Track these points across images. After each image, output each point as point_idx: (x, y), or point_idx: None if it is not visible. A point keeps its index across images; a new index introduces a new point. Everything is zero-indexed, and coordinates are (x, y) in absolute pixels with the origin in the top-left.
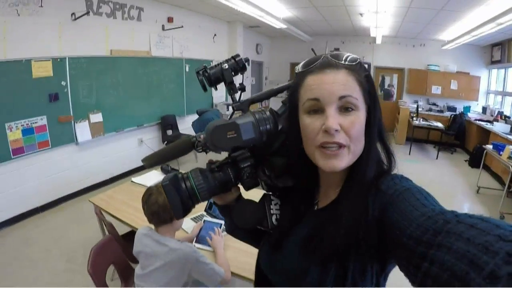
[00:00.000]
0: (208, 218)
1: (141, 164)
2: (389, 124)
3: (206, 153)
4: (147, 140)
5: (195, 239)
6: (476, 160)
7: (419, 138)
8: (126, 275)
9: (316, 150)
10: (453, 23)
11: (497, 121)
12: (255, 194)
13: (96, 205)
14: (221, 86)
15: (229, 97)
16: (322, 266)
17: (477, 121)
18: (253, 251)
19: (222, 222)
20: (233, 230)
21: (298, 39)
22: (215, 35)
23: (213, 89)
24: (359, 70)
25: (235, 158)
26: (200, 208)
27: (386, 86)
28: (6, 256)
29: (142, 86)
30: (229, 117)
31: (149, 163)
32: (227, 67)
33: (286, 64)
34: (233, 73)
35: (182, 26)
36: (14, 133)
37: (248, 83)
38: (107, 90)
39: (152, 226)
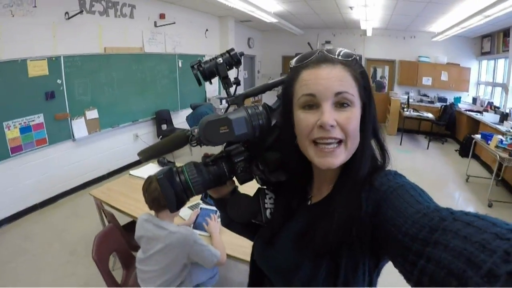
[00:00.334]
0: (204, 206)
1: (137, 158)
2: (381, 115)
3: (201, 146)
4: (142, 135)
5: (192, 225)
6: (466, 149)
7: (411, 128)
8: (128, 262)
9: (310, 146)
10: (442, 15)
11: (487, 111)
12: (252, 188)
13: (96, 197)
14: (215, 80)
15: (222, 91)
16: (314, 262)
17: (467, 112)
18: None
19: None
20: (229, 223)
21: (289, 32)
22: (207, 30)
23: (207, 83)
24: (355, 66)
25: (229, 153)
26: (196, 197)
27: (378, 78)
28: (8, 252)
29: (136, 82)
30: (224, 110)
31: (145, 156)
32: (221, 61)
33: (278, 57)
34: (227, 67)
35: (174, 22)
36: (12, 132)
37: (240, 77)
38: (102, 87)
39: (152, 213)
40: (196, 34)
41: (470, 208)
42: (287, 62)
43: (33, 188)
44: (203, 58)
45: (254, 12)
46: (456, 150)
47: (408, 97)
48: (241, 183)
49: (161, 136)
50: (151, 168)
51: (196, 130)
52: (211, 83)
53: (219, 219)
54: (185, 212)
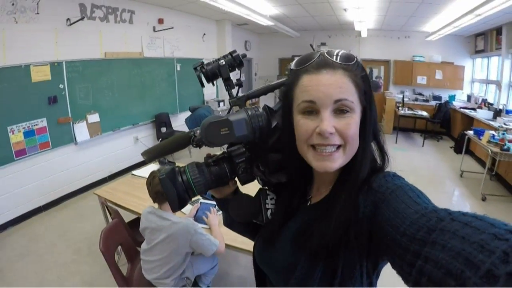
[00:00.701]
0: (204, 201)
1: (137, 161)
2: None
3: (200, 147)
4: (142, 138)
5: (192, 219)
6: (460, 146)
7: (406, 127)
8: (132, 256)
9: (309, 150)
10: (434, 15)
11: (481, 108)
12: (254, 188)
13: (100, 196)
14: (208, 84)
15: (220, 94)
16: (310, 262)
17: (461, 109)
18: None
19: None
20: (231, 223)
21: (285, 35)
22: (204, 34)
23: (207, 86)
24: (356, 70)
25: (231, 153)
26: None
27: (374, 78)
28: (14, 253)
29: (136, 86)
30: (227, 112)
31: (149, 156)
32: (224, 63)
33: (274, 59)
34: (230, 69)
35: (172, 27)
36: (16, 136)
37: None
38: (103, 91)
39: (156, 206)
40: (194, 38)
41: (464, 202)
42: (284, 64)
43: (37, 191)
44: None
45: (250, 16)
46: (451, 147)
47: (403, 96)
48: (243, 183)
49: (160, 139)
50: (153, 169)
51: (198, 131)
52: (213, 84)
53: (219, 213)
54: (186, 207)
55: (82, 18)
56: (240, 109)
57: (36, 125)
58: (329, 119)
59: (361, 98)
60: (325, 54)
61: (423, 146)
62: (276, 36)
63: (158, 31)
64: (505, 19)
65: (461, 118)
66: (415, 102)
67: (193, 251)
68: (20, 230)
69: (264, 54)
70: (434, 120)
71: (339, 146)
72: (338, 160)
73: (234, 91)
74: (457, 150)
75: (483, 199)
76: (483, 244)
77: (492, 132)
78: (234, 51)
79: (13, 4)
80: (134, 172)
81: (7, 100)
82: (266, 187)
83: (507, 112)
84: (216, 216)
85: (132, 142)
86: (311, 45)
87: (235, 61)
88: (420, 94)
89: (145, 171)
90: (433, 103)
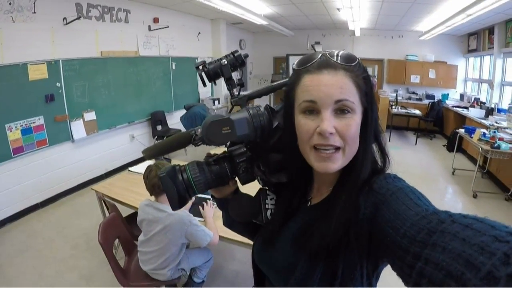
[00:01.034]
0: (199, 195)
1: (133, 158)
2: None
3: (196, 146)
4: (138, 136)
5: (187, 211)
6: (453, 144)
7: (400, 125)
8: (129, 249)
9: (310, 151)
10: (427, 14)
11: (474, 107)
12: (254, 188)
13: (98, 192)
14: (211, 82)
15: (214, 93)
16: (310, 262)
17: (454, 108)
18: None
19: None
20: (231, 223)
21: (280, 34)
22: (199, 33)
23: (198, 84)
24: (358, 71)
25: (232, 153)
26: None
27: None
28: (14, 249)
29: (132, 84)
30: (228, 111)
31: (149, 154)
32: (226, 62)
33: (269, 58)
34: (231, 68)
35: (167, 26)
36: (14, 133)
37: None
38: (99, 89)
39: (152, 198)
40: (189, 37)
41: (456, 199)
42: (279, 63)
43: (34, 188)
44: (196, 60)
45: (244, 15)
46: (444, 145)
47: (397, 95)
48: (243, 183)
49: (156, 137)
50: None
51: (199, 130)
52: (215, 84)
53: (214, 205)
54: None
55: (78, 17)
56: (242, 108)
57: (34, 123)
58: (330, 119)
59: (362, 99)
60: (327, 54)
61: (416, 144)
62: (270, 35)
63: (154, 30)
64: (497, 19)
65: (453, 116)
66: (409, 101)
67: (188, 244)
68: (19, 227)
69: (259, 53)
70: (427, 118)
71: (338, 148)
72: (338, 161)
73: (235, 91)
74: (450, 148)
75: (474, 196)
76: (484, 246)
77: (483, 130)
78: (236, 51)
79: (10, 4)
80: (130, 168)
81: (5, 98)
82: (266, 187)
83: (499, 110)
84: (211, 209)
85: (128, 140)
86: (313, 46)
87: (237, 61)
88: (413, 93)
89: (142, 168)
90: (426, 101)
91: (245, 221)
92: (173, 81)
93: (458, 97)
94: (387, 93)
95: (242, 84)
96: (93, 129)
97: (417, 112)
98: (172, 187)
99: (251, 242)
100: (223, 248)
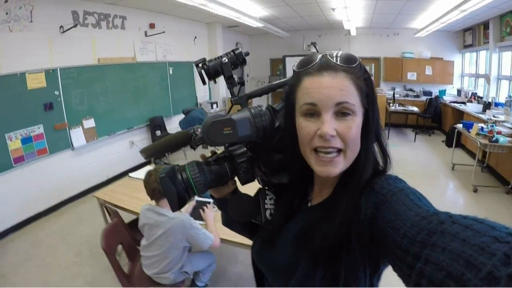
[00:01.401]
0: (199, 198)
1: (134, 164)
2: None
3: (194, 149)
4: (138, 142)
5: (188, 215)
6: (452, 140)
7: (398, 123)
8: (133, 255)
9: (311, 154)
10: (422, 11)
11: (471, 102)
12: (254, 188)
13: (99, 198)
14: (201, 87)
15: (212, 96)
16: (311, 263)
17: (452, 103)
18: None
19: (212, 200)
20: (230, 223)
21: (276, 35)
22: (195, 37)
23: (196, 88)
24: (358, 73)
25: (232, 153)
26: None
27: None
28: (18, 258)
29: (130, 90)
30: (228, 110)
31: (147, 154)
32: (226, 60)
33: (266, 60)
34: (232, 66)
35: (163, 32)
36: (14, 143)
37: None
38: (98, 96)
39: (153, 203)
40: (185, 41)
41: (456, 194)
42: (276, 65)
43: (36, 197)
44: (193, 64)
45: (240, 18)
46: (442, 141)
47: (394, 92)
48: (243, 183)
49: None
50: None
51: (199, 130)
52: (215, 82)
53: (214, 208)
54: None
55: (75, 25)
56: (243, 108)
57: (33, 131)
58: (330, 121)
59: (363, 100)
60: (327, 56)
61: (415, 141)
62: (266, 37)
63: (150, 35)
64: (492, 14)
65: (451, 112)
66: (406, 98)
67: (190, 248)
68: (22, 236)
69: (256, 55)
70: (425, 115)
71: (339, 151)
72: (339, 165)
73: (236, 90)
74: (449, 144)
75: (475, 191)
76: (484, 246)
77: (481, 124)
78: (237, 48)
79: (7, 13)
80: (131, 174)
81: (4, 107)
82: (266, 187)
83: (496, 104)
84: (211, 212)
85: (127, 146)
86: (315, 46)
87: (238, 59)
88: (410, 90)
89: (142, 173)
90: (423, 98)
91: (244, 221)
92: (171, 86)
93: (456, 93)
94: (384, 91)
95: (242, 83)
96: (92, 136)
97: (415, 109)
98: (171, 187)
99: None
100: (226, 250)
